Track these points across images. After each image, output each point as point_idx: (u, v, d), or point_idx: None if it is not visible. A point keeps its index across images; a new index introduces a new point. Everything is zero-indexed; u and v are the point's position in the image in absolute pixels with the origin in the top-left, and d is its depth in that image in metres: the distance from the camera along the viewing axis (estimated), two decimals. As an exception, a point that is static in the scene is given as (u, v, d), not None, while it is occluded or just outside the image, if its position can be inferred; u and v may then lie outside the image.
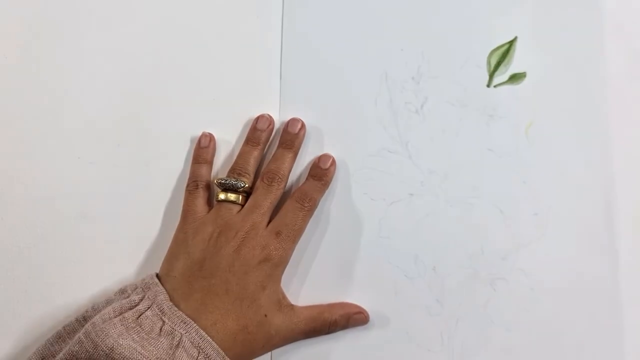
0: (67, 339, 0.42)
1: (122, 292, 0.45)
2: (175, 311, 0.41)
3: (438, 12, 0.52)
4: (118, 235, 0.49)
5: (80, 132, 0.51)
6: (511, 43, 0.50)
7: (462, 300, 0.47)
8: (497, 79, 0.49)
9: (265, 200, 0.46)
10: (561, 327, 0.46)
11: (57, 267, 0.48)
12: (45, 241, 0.49)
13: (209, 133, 0.50)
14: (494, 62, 0.50)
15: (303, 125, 0.50)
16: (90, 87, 0.52)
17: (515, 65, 0.49)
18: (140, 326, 0.40)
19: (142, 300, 0.42)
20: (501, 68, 0.50)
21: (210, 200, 0.49)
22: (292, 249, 0.46)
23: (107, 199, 0.50)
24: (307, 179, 0.48)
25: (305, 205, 0.46)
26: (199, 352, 0.40)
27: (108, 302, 0.44)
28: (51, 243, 0.49)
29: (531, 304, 0.47)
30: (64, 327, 0.43)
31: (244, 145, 0.49)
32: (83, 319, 0.43)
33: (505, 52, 0.50)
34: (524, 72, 0.49)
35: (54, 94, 0.52)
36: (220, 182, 0.47)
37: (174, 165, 0.50)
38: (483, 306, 0.47)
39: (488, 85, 0.50)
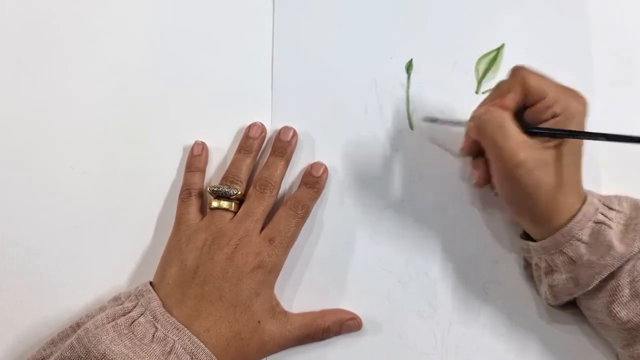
0: (60, 345, 0.42)
1: (116, 299, 0.45)
2: (168, 317, 0.41)
3: (426, 21, 0.53)
4: (112, 244, 0.49)
5: (73, 141, 0.51)
6: (499, 50, 0.51)
7: (455, 305, 0.47)
8: (485, 86, 0.50)
9: (258, 207, 0.46)
10: (553, 330, 0.47)
11: (51, 276, 0.48)
12: (39, 251, 0.49)
13: (202, 141, 0.51)
14: (482, 69, 0.51)
15: (295, 133, 0.50)
16: (83, 97, 0.52)
17: (502, 72, 0.50)
18: (133, 332, 0.40)
19: (135, 307, 0.42)
20: (489, 75, 0.50)
21: (203, 208, 0.49)
22: (285, 256, 0.46)
23: (100, 208, 0.50)
24: (299, 186, 0.49)
25: (298, 212, 0.47)
26: (192, 358, 0.40)
27: (102, 309, 0.44)
28: (45, 253, 0.49)
29: (523, 307, 0.47)
30: (58, 334, 0.43)
31: (236, 153, 0.50)
32: (77, 326, 0.43)
33: (493, 59, 0.51)
34: (512, 79, 0.50)
35: (47, 103, 0.52)
36: (213, 190, 0.47)
37: (167, 174, 0.51)
38: (476, 310, 0.47)
39: (476, 92, 0.50)
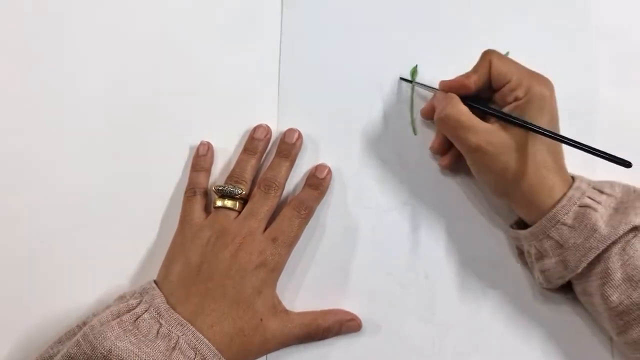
0: (66, 343, 0.43)
1: (121, 298, 0.45)
2: (172, 314, 0.42)
3: (432, 26, 0.54)
4: (119, 244, 0.50)
5: (80, 143, 0.52)
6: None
7: (454, 307, 0.48)
8: (489, 92, 0.51)
9: (262, 207, 0.47)
10: (552, 334, 0.47)
11: (57, 275, 0.49)
12: (45, 251, 0.49)
13: (207, 142, 0.51)
14: (486, 76, 0.51)
15: (300, 135, 0.51)
16: (89, 99, 0.52)
17: (506, 79, 0.51)
18: (138, 329, 0.41)
19: (139, 303, 0.43)
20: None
21: (208, 207, 0.50)
22: (287, 255, 0.47)
23: (107, 208, 0.50)
24: (303, 187, 0.49)
25: (302, 212, 0.47)
26: (196, 354, 0.40)
27: (107, 308, 0.44)
28: (51, 252, 0.49)
29: (521, 311, 0.48)
30: (65, 334, 0.44)
31: (241, 153, 0.50)
32: (83, 325, 0.44)
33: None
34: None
35: (53, 105, 0.52)
36: (217, 189, 0.48)
37: (173, 173, 0.51)
38: (474, 313, 0.48)
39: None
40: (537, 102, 0.43)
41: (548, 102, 0.44)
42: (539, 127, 0.42)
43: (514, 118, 0.43)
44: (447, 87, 0.47)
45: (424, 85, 0.51)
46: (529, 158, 0.43)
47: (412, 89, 0.52)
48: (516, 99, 0.44)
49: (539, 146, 0.43)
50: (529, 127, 0.43)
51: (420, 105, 0.52)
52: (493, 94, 0.46)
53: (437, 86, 0.49)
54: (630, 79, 0.52)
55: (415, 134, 0.51)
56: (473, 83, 0.46)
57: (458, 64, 0.51)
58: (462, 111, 0.45)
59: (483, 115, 0.45)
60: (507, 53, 0.51)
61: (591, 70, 0.52)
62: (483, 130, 0.44)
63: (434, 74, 0.52)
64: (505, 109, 0.45)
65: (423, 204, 0.50)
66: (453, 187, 0.50)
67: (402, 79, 0.52)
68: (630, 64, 0.53)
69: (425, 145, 0.51)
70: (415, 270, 0.49)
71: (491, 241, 0.49)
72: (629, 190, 0.44)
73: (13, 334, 0.47)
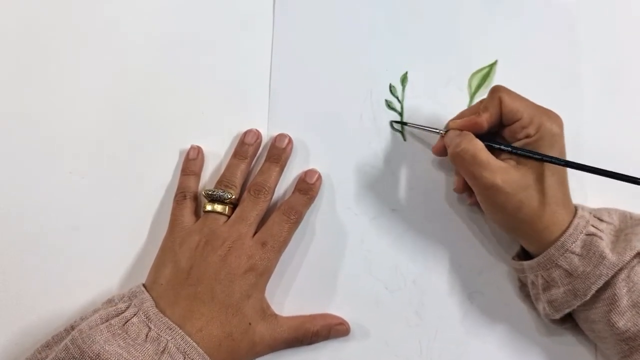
0: (55, 347, 0.43)
1: (110, 301, 0.45)
2: (161, 317, 0.42)
3: (422, 35, 0.54)
4: (108, 247, 0.49)
5: (72, 147, 0.51)
6: (491, 66, 0.52)
7: (440, 313, 0.49)
8: (477, 101, 0.51)
9: (251, 211, 0.47)
10: (538, 338, 0.48)
11: (47, 279, 0.49)
12: (36, 253, 0.49)
13: (198, 146, 0.51)
14: (474, 84, 0.52)
15: (290, 140, 0.51)
16: (81, 103, 0.52)
17: (494, 88, 0.51)
18: (127, 332, 0.41)
19: (128, 307, 0.43)
20: (481, 90, 0.52)
21: (198, 211, 0.50)
22: (276, 260, 0.47)
23: (98, 212, 0.50)
24: (293, 192, 0.50)
25: (291, 217, 0.48)
26: (185, 357, 0.40)
27: (95, 311, 0.44)
28: (42, 255, 0.49)
29: (506, 317, 0.48)
30: (52, 337, 0.44)
31: (231, 158, 0.50)
32: (71, 329, 0.44)
33: (486, 75, 0.52)
34: (503, 95, 0.51)
35: (45, 109, 0.52)
36: (207, 193, 0.48)
37: (163, 177, 0.51)
38: (460, 319, 0.48)
39: (468, 107, 0.51)
40: (548, 139, 0.44)
41: (558, 139, 0.44)
42: (558, 159, 0.43)
43: (535, 153, 0.43)
44: (459, 127, 0.46)
45: (425, 128, 0.50)
46: (542, 195, 0.43)
47: (402, 95, 0.52)
48: (527, 137, 0.44)
49: (550, 181, 0.44)
50: (551, 161, 0.43)
51: (410, 112, 0.52)
52: (502, 129, 0.46)
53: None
54: (615, 92, 0.53)
55: (404, 140, 0.52)
56: (485, 121, 0.45)
57: (447, 72, 0.52)
58: (479, 147, 0.44)
59: (492, 151, 0.45)
60: (495, 62, 0.52)
61: (576, 81, 0.53)
62: (498, 168, 0.43)
63: (423, 82, 0.52)
64: (516, 145, 0.45)
65: (411, 211, 0.51)
66: (441, 194, 0.51)
67: (396, 122, 0.52)
68: (614, 77, 0.53)
69: (414, 152, 0.51)
70: (403, 276, 0.49)
71: (478, 247, 0.50)
72: (625, 217, 0.45)
73: (1, 336, 0.47)
